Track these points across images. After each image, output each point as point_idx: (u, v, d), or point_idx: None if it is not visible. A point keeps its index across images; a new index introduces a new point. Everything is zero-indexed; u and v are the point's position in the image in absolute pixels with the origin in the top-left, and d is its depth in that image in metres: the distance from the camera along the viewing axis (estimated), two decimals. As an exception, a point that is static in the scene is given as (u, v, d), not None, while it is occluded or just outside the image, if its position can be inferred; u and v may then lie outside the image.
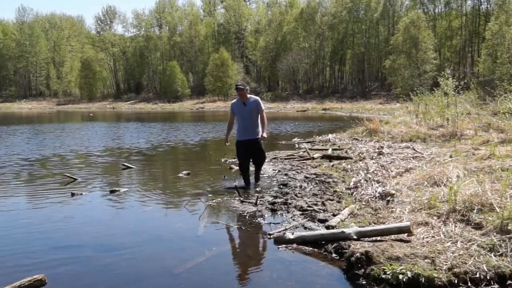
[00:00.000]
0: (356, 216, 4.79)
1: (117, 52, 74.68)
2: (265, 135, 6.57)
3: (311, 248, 4.02)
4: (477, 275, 3.14)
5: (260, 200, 5.74)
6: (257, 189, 6.49)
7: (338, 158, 8.97)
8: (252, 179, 6.89)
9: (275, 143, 12.95)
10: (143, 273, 3.63)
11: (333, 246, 3.97)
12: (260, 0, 75.45)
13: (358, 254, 3.49)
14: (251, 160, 6.80)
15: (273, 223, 4.86)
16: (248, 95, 6.61)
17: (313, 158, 9.19)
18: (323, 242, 4.07)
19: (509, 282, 3.13)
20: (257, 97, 6.76)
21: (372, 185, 5.95)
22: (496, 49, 28.83)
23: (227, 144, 7.06)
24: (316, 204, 5.41)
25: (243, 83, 6.67)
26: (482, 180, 4.79)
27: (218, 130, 19.22)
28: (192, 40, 67.93)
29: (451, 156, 7.17)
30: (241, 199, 5.87)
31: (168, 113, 40.99)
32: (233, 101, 6.83)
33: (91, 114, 39.58)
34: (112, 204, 5.98)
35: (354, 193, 5.86)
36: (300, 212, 5.16)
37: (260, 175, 7.02)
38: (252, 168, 6.93)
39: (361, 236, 3.92)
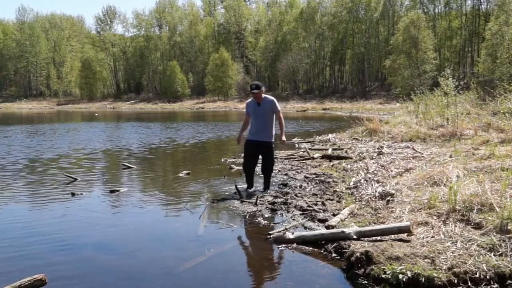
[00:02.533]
0: (356, 216, 4.79)
1: (117, 52, 74.67)
2: (284, 138, 6.26)
3: (311, 248, 4.03)
4: (477, 275, 3.15)
5: (260, 200, 5.74)
6: (258, 189, 6.47)
7: (338, 158, 8.98)
8: (259, 184, 6.61)
9: (275, 143, 12.95)
10: (143, 273, 3.63)
11: (333, 246, 3.97)
12: (260, 0, 75.53)
13: (358, 254, 3.50)
14: (257, 165, 6.50)
15: (273, 223, 4.86)
16: (263, 95, 6.24)
17: (313, 158, 9.19)
18: (323, 242, 4.07)
19: (509, 282, 3.13)
20: (273, 98, 6.29)
21: (372, 185, 5.95)
22: (495, 49, 28.80)
23: (240, 143, 6.65)
24: (316, 204, 5.42)
25: (258, 84, 6.19)
26: (482, 180, 4.78)
27: (218, 130, 19.23)
28: (192, 40, 67.92)
29: (451, 156, 7.18)
30: (241, 199, 5.87)
31: (168, 113, 40.99)
32: (248, 101, 6.50)
33: (96, 114, 39.72)
34: (112, 204, 5.98)
35: (354, 193, 5.86)
36: (300, 212, 5.16)
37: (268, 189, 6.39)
38: (256, 168, 6.67)
39: (361, 236, 3.93)
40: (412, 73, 40.68)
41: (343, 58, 59.70)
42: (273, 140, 6.38)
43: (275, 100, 6.32)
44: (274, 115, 6.29)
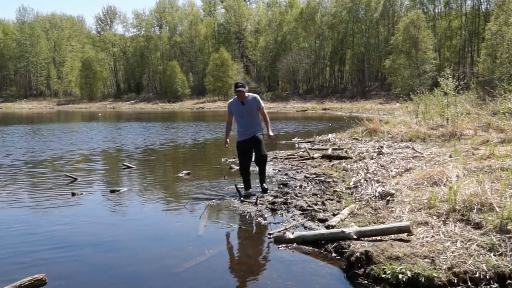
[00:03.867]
0: (356, 215, 4.80)
1: (117, 52, 74.66)
2: (271, 133, 6.30)
3: (311, 248, 4.03)
4: (477, 275, 3.15)
5: (260, 200, 5.74)
6: (258, 189, 6.45)
7: (338, 158, 8.98)
8: (256, 186, 6.50)
9: (275, 143, 12.96)
10: (143, 273, 3.64)
11: (333, 245, 3.97)
12: (260, 0, 75.51)
13: (358, 254, 3.50)
14: (252, 161, 6.47)
15: (273, 223, 4.86)
16: (246, 94, 6.28)
17: (313, 158, 9.19)
18: (323, 241, 4.07)
19: (508, 281, 3.13)
20: (255, 95, 6.45)
21: (372, 185, 5.95)
22: (495, 49, 28.77)
23: (227, 146, 6.67)
24: (316, 204, 5.42)
25: (243, 83, 6.35)
26: (482, 180, 4.78)
27: (218, 130, 19.23)
28: (192, 40, 67.91)
29: (451, 156, 7.18)
30: (241, 199, 5.87)
31: (168, 113, 40.99)
32: (230, 101, 6.49)
33: (100, 114, 39.81)
34: (112, 204, 5.98)
35: (354, 192, 5.87)
36: (300, 212, 5.16)
37: (266, 185, 6.36)
38: (254, 168, 6.64)
39: (361, 235, 3.93)
40: (412, 73, 40.64)
41: (343, 58, 59.66)
42: (262, 132, 6.39)
43: (258, 97, 6.43)
44: (259, 112, 6.37)
